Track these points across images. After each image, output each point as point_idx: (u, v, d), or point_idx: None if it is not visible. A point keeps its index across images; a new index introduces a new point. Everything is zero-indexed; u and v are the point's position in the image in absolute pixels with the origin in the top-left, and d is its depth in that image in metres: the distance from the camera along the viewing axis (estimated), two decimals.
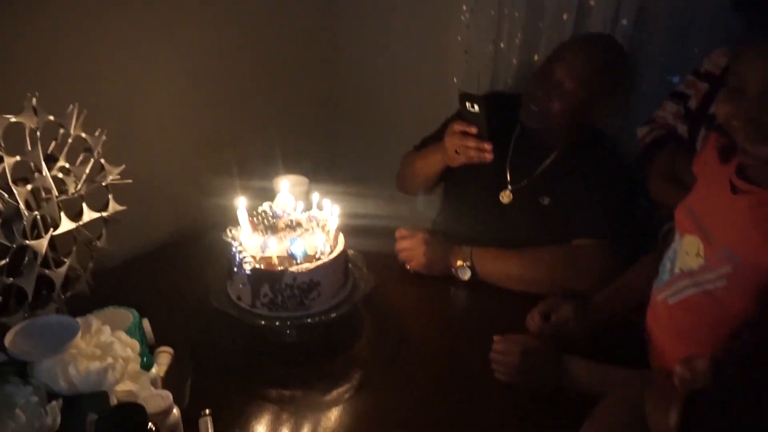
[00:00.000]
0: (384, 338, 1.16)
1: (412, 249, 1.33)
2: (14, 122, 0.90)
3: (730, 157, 0.90)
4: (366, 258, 1.23)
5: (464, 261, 1.31)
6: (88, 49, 1.29)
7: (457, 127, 1.34)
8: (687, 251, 0.90)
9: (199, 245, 1.39)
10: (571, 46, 1.35)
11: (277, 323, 1.05)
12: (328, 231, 1.13)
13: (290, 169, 1.60)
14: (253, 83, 1.83)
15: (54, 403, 0.74)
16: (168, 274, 1.33)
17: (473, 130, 1.31)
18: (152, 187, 1.48)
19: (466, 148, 1.32)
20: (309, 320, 1.05)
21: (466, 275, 1.30)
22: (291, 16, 1.92)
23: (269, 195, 1.48)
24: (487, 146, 1.30)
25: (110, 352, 0.83)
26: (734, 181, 0.85)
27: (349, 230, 1.18)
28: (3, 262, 0.89)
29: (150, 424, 0.74)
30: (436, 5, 1.94)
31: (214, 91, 1.67)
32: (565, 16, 1.72)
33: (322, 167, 1.91)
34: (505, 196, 1.44)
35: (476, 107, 1.28)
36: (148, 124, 1.47)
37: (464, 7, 1.84)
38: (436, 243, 1.34)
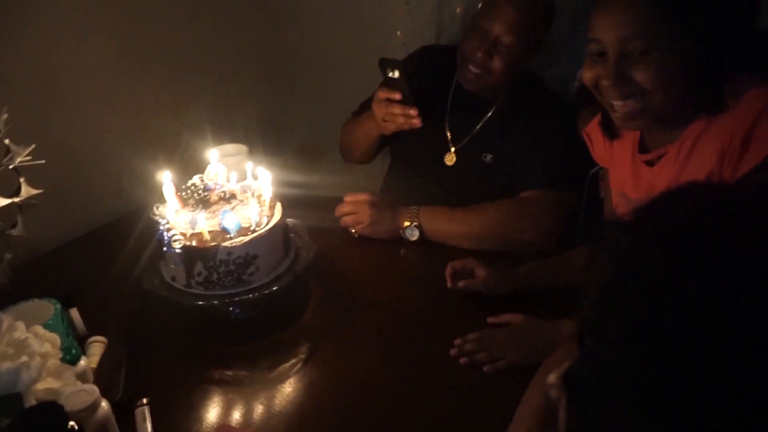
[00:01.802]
0: (332, 305, 1.12)
1: (357, 213, 1.28)
2: None
3: (614, 132, 0.99)
4: (308, 227, 1.18)
5: (411, 221, 1.26)
6: None
7: (381, 94, 1.29)
8: None
9: (135, 226, 1.32)
10: (502, 1, 1.28)
11: (216, 302, 1.00)
12: (264, 201, 1.07)
13: (229, 138, 1.52)
14: (187, 45, 1.71)
15: None
16: (101, 259, 1.25)
17: (397, 96, 1.27)
18: (80, 166, 1.40)
19: (393, 115, 1.28)
20: (249, 296, 1.00)
21: (414, 236, 1.27)
22: None
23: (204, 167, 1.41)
24: (413, 112, 1.26)
25: (25, 350, 0.77)
26: (643, 158, 0.91)
27: (290, 202, 1.13)
28: None
29: (72, 423, 0.69)
30: None
31: (144, 56, 1.56)
32: None
33: (263, 135, 1.83)
34: (449, 158, 1.41)
35: (396, 73, 1.24)
36: (72, 97, 1.37)
37: None
38: (382, 205, 1.29)
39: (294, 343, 1.03)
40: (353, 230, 1.29)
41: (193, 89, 1.75)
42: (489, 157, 1.36)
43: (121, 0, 1.47)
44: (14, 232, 1.01)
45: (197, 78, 1.76)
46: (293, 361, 0.99)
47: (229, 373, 0.97)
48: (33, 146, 1.01)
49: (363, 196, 1.29)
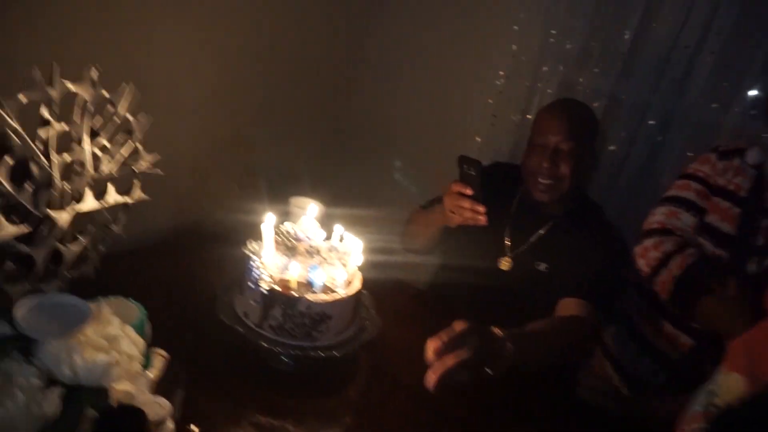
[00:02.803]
0: (378, 382, 1.13)
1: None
2: (70, 91, 0.87)
3: None
4: (374, 299, 1.21)
5: (507, 340, 1.01)
6: (145, 30, 1.28)
7: (455, 187, 1.37)
8: (727, 389, 0.83)
9: (202, 248, 1.36)
10: (550, 113, 1.42)
11: (278, 348, 1.01)
12: (347, 265, 1.11)
13: (301, 191, 1.59)
14: (278, 97, 1.83)
15: (56, 390, 0.69)
16: (168, 272, 1.28)
17: (469, 191, 1.34)
18: (167, 181, 1.45)
19: (461, 208, 1.34)
20: (312, 353, 1.02)
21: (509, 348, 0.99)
22: (324, 36, 1.94)
23: (278, 213, 1.46)
24: (481, 209, 1.32)
25: (116, 346, 0.79)
26: None
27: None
28: (25, 228, 0.84)
29: None
30: (474, 64, 2.00)
31: (240, 97, 1.67)
32: (595, 104, 1.79)
33: (333, 195, 1.90)
34: (505, 263, 1.47)
35: (473, 171, 1.32)
36: (175, 115, 1.45)
37: (501, 73, 1.90)
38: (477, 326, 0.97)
39: (339, 411, 1.03)
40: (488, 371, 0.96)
41: (271, 134, 1.84)
42: (543, 266, 1.43)
43: (240, 42, 1.59)
44: (115, 228, 1.05)
45: (277, 124, 1.86)
46: (337, 430, 0.99)
47: (276, 423, 0.97)
48: (158, 157, 1.08)
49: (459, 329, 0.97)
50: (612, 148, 1.77)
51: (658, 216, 1.37)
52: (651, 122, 1.71)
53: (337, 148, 2.19)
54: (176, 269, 1.30)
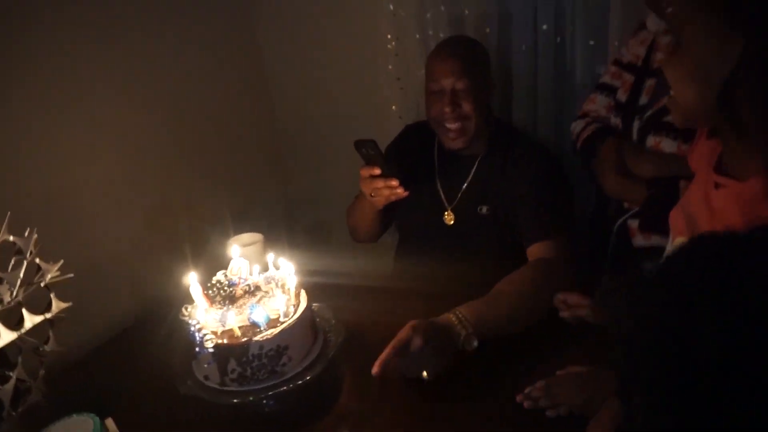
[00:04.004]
0: (366, 387, 1.11)
1: (415, 354, 1.03)
2: None
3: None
4: (331, 309, 1.19)
5: (464, 329, 1.09)
6: (3, 142, 1.23)
7: (363, 172, 1.37)
8: None
9: (161, 326, 1.33)
10: (437, 57, 1.40)
11: (251, 398, 0.99)
12: (288, 290, 1.09)
13: (244, 229, 1.56)
14: (196, 147, 1.79)
15: None
16: (130, 363, 1.25)
17: (376, 171, 1.34)
18: (102, 273, 1.42)
19: (377, 189, 1.35)
20: (284, 387, 1.00)
21: (474, 343, 1.09)
22: (226, 75, 1.90)
23: (225, 260, 1.43)
24: (394, 183, 1.33)
25: None
26: (714, 178, 0.83)
27: (311, 287, 1.14)
28: None
29: None
30: (361, 38, 1.96)
31: (158, 160, 1.62)
32: (487, 30, 1.76)
33: (277, 222, 1.87)
34: (448, 217, 1.46)
35: (371, 150, 1.32)
36: (88, 207, 1.41)
37: (389, 36, 1.86)
38: (430, 330, 1.05)
39: (338, 426, 1.02)
40: (424, 374, 1.06)
41: (200, 185, 1.81)
42: (485, 209, 1.42)
43: (136, 106, 1.55)
44: (47, 347, 1.02)
45: (203, 173, 1.82)
46: None
47: None
48: (62, 262, 1.05)
49: (405, 335, 1.04)
50: (517, 64, 1.74)
51: (583, 105, 1.45)
52: (544, 27, 1.68)
53: (269, 175, 2.16)
54: (134, 358, 1.27)
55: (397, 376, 1.08)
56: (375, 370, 0.99)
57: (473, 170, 1.44)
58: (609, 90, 1.40)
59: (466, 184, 1.44)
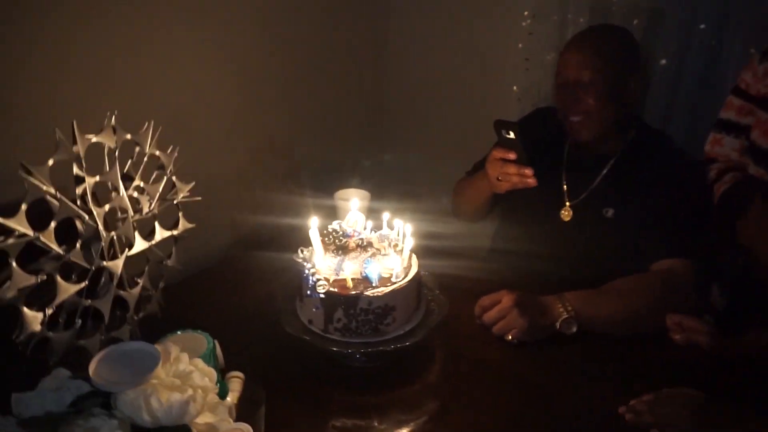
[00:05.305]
0: (458, 364, 1.11)
1: (504, 317, 1.13)
2: (95, 142, 0.88)
3: None
4: (436, 279, 1.18)
5: (567, 312, 1.13)
6: (157, 66, 1.28)
7: (496, 153, 1.31)
8: None
9: (259, 260, 1.37)
10: (566, 48, 1.33)
11: (350, 350, 1.01)
12: (401, 251, 1.09)
13: (346, 183, 1.57)
14: (312, 95, 1.81)
15: None
16: (230, 292, 1.30)
17: (512, 156, 1.28)
18: (211, 201, 1.47)
19: (507, 174, 1.29)
20: (383, 347, 1.01)
21: (573, 328, 1.12)
22: (344, 25, 1.89)
23: (327, 209, 1.45)
24: (528, 171, 1.26)
25: (189, 382, 0.80)
26: None
27: (414, 249, 1.13)
28: (83, 284, 0.87)
29: None
30: (496, 11, 1.89)
31: (269, 101, 1.65)
32: (635, 22, 1.65)
33: (381, 182, 1.87)
34: (565, 213, 1.39)
35: (511, 134, 1.25)
36: (207, 136, 1.46)
37: (526, 13, 1.79)
38: (530, 302, 1.13)
39: (422, 399, 1.02)
40: (509, 336, 1.12)
41: (309, 132, 1.83)
42: (610, 212, 1.33)
43: (259, 48, 1.57)
44: (169, 262, 1.07)
45: (315, 122, 1.84)
46: (424, 419, 0.98)
47: (362, 423, 0.96)
48: (193, 183, 1.08)
49: (505, 298, 1.14)
50: (663, 62, 1.63)
51: (706, 146, 1.30)
52: (702, 26, 1.55)
53: (375, 135, 2.15)
54: (238, 288, 1.31)
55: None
56: (477, 310, 1.17)
57: (605, 170, 1.36)
58: (738, 129, 1.25)
59: (595, 183, 1.36)
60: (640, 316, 1.15)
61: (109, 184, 0.92)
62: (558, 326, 1.13)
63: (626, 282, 1.19)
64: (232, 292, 1.31)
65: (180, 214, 1.08)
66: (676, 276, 1.19)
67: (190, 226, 1.09)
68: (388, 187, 2.16)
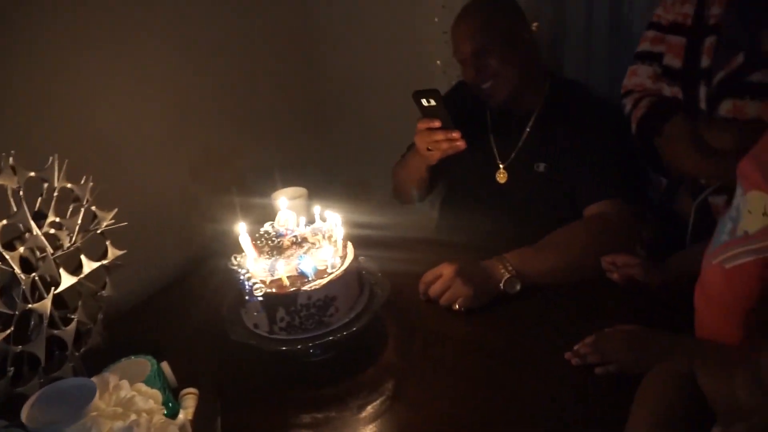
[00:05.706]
0: (410, 341, 1.12)
1: (449, 287, 1.15)
2: None
3: None
4: (377, 262, 1.19)
5: (507, 272, 1.16)
6: (61, 94, 1.25)
7: (421, 124, 1.32)
8: (750, 209, 0.79)
9: (209, 274, 1.36)
10: (455, 25, 1.36)
11: (299, 346, 1.01)
12: (335, 242, 1.09)
13: (288, 182, 1.56)
14: (240, 99, 1.79)
15: None
16: (181, 310, 1.30)
17: (437, 123, 1.29)
18: (153, 223, 1.45)
19: (436, 142, 1.30)
20: (331, 338, 1.01)
21: (517, 286, 1.16)
22: (271, 27, 1.88)
23: (271, 211, 1.44)
24: (455, 134, 1.28)
25: (132, 408, 0.80)
26: None
27: (354, 239, 1.14)
28: (8, 331, 0.86)
29: None
30: None
31: (203, 112, 1.63)
32: None
33: (320, 176, 1.87)
34: (501, 176, 1.42)
35: (432, 101, 1.27)
36: (140, 159, 1.43)
37: None
38: (470, 268, 1.16)
39: (379, 381, 1.03)
40: (456, 306, 1.15)
41: (243, 137, 1.81)
42: (542, 166, 1.36)
43: (184, 59, 1.55)
44: (105, 292, 1.06)
45: (247, 127, 1.83)
46: (381, 399, 0.99)
47: (320, 416, 0.97)
48: (116, 210, 1.07)
49: (446, 270, 1.16)
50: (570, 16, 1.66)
51: (624, 81, 1.32)
52: None
53: (313, 131, 2.14)
54: (187, 304, 1.31)
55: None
56: (421, 287, 1.19)
57: (529, 127, 1.38)
58: (651, 58, 1.27)
59: (521, 142, 1.39)
60: (580, 263, 1.18)
61: (21, 225, 0.90)
62: (502, 287, 1.16)
63: (562, 233, 1.22)
64: (183, 309, 1.30)
65: (108, 243, 1.07)
66: (609, 217, 1.22)
67: (119, 252, 1.08)
68: (334, 180, 2.17)
